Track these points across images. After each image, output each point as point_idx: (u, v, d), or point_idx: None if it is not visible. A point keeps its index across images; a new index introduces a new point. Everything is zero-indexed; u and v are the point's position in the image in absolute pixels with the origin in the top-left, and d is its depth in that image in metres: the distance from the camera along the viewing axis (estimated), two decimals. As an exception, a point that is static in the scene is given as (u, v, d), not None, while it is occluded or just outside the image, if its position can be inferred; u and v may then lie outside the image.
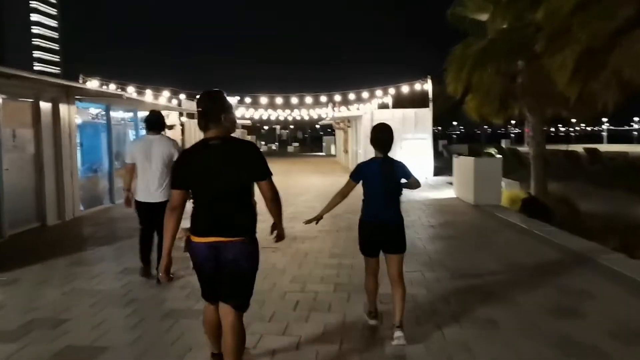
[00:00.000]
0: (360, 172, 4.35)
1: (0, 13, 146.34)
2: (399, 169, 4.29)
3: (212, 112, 3.18)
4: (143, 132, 15.92)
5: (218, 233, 3.11)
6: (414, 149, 20.07)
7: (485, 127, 76.25)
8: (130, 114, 14.56)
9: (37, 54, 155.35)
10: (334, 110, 23.44)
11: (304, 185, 17.21)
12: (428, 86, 20.20)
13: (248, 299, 3.28)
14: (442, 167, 21.73)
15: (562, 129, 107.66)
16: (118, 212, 11.62)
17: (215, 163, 3.13)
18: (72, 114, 10.79)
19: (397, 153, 20.73)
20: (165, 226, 3.26)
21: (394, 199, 4.28)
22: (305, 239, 8.32)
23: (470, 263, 6.81)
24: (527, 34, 11.62)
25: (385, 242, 4.25)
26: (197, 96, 3.38)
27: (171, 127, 15.40)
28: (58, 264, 6.85)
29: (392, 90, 20.73)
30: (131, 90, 17.27)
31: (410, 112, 20.36)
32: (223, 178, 3.13)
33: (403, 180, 4.30)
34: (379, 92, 21.20)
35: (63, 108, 10.37)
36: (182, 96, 16.92)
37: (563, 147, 38.77)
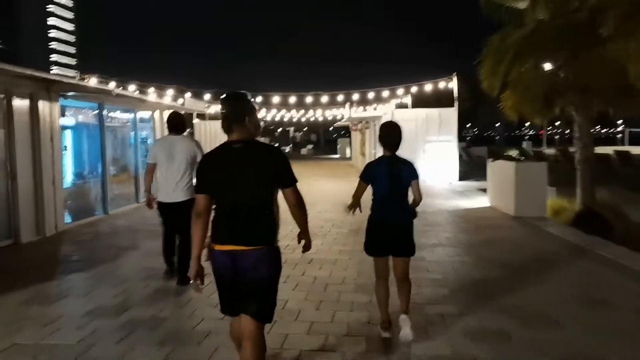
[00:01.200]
0: (369, 172, 4.30)
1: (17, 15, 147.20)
2: (407, 168, 4.21)
3: (236, 114, 3.10)
4: (143, 134, 14.96)
5: (237, 241, 3.00)
6: (438, 152, 18.53)
7: (498, 127, 75.10)
8: (132, 115, 13.19)
9: (53, 57, 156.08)
10: (351, 110, 21.91)
11: (319, 192, 15.74)
12: (453, 84, 18.63)
13: (270, 309, 3.12)
14: (465, 170, 20.10)
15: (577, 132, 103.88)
16: (110, 225, 10.23)
17: (238, 167, 3.03)
18: (56, 113, 9.43)
19: (420, 157, 19.23)
20: (193, 232, 3.13)
21: (402, 200, 4.21)
22: (323, 263, 6.85)
23: (543, 304, 5.20)
24: (578, 19, 10.05)
25: (392, 244, 4.19)
26: (221, 97, 3.23)
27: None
28: (8, 302, 5.38)
29: (414, 89, 19.17)
30: (132, 89, 15.93)
31: (434, 112, 18.81)
32: (246, 183, 3.02)
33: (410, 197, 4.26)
34: (400, 91, 19.61)
35: (43, 106, 9.01)
36: (188, 95, 15.60)
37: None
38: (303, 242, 3.39)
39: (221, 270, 3.06)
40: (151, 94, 15.73)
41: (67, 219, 10.19)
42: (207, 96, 17.32)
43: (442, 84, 18.67)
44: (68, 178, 10.87)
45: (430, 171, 18.41)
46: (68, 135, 11.77)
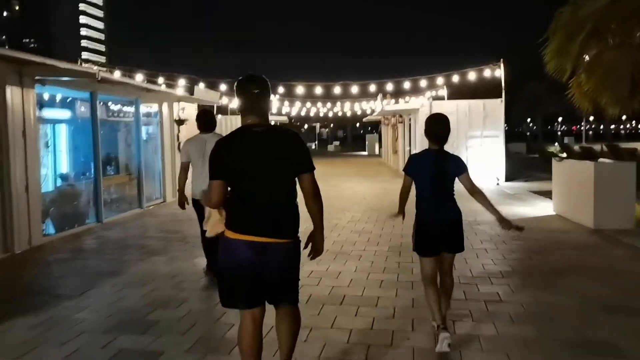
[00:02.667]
0: (413, 165, 4.08)
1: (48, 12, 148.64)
2: (455, 164, 3.98)
3: (257, 98, 2.96)
4: (149, 129, 13.33)
5: (263, 232, 2.84)
6: (483, 148, 16.41)
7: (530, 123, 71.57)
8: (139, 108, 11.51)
9: (84, 46, 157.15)
10: (383, 103, 19.85)
11: (349, 196, 13.83)
12: (500, 72, 16.45)
13: (297, 296, 3.09)
14: (510, 170, 17.84)
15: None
16: (99, 237, 8.53)
17: (261, 151, 2.88)
18: (30, 103, 7.74)
19: (463, 154, 17.05)
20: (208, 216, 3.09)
21: (449, 195, 3.99)
22: (360, 304, 4.92)
23: None
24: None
25: (444, 241, 3.99)
26: (243, 77, 3.04)
27: (182, 123, 12.30)
28: None
29: (455, 78, 17.03)
30: (140, 79, 14.26)
31: (477, 103, 16.68)
32: (269, 168, 2.88)
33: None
34: (439, 80, 17.51)
35: (12, 93, 7.34)
36: (201, 85, 13.87)
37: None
38: (311, 245, 3.09)
39: (242, 261, 2.87)
40: (158, 85, 14.01)
41: (50, 229, 8.55)
42: (223, 87, 15.61)
43: (487, 72, 16.43)
44: (52, 180, 9.24)
45: (474, 170, 16.26)
46: (61, 131, 10.18)
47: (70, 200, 9.23)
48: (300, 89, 17.71)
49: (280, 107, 23.50)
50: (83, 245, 8.04)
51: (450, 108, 16.63)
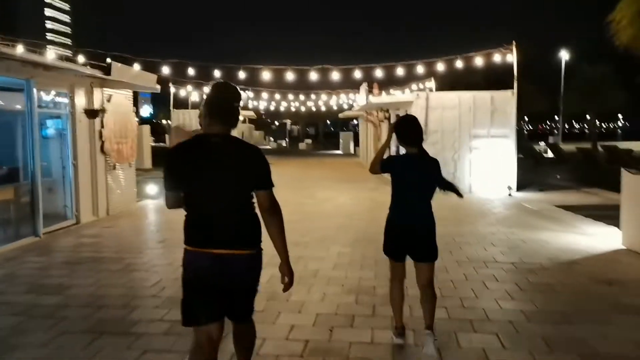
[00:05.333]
0: (390, 165, 3.93)
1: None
2: (434, 167, 3.88)
3: (228, 108, 2.80)
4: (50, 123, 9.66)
5: (223, 244, 2.72)
6: (491, 150, 13.44)
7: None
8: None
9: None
10: (369, 95, 16.60)
11: (329, 211, 10.66)
12: (513, 57, 13.46)
13: (252, 310, 2.95)
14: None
15: (577, 126, 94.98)
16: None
17: (219, 162, 2.72)
18: None
19: (465, 157, 14.01)
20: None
21: (426, 200, 3.84)
22: None
23: None
24: None
25: (414, 247, 3.84)
26: (216, 82, 2.92)
27: (95, 114, 8.87)
28: None
29: (459, 64, 13.95)
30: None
31: (484, 96, 13.68)
32: (227, 180, 2.74)
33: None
34: (440, 66, 14.36)
35: None
36: (136, 66, 10.38)
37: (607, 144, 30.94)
38: (287, 279, 2.88)
39: (202, 273, 2.74)
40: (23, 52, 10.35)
41: None
42: (166, 69, 12.20)
43: (497, 57, 13.40)
44: None
45: (480, 177, 13.35)
46: None
47: None
48: (266, 75, 14.32)
49: (246, 99, 20.06)
50: None
51: (451, 101, 13.61)
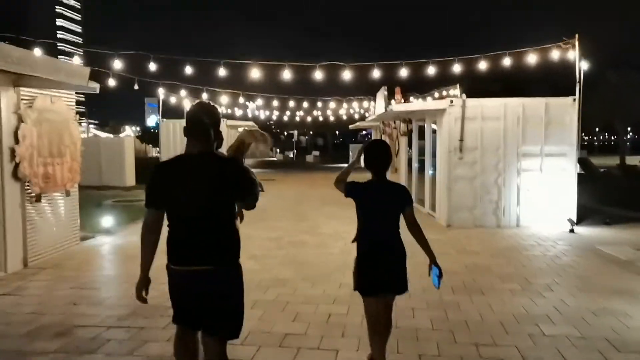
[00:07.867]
0: (354, 191, 3.67)
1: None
2: (399, 194, 3.65)
3: (202, 127, 2.89)
4: None
5: (199, 261, 2.81)
6: (546, 173, 10.49)
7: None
8: None
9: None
10: (393, 99, 13.71)
11: (338, 259, 7.62)
12: (575, 54, 10.52)
13: (239, 328, 2.99)
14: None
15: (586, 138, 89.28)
16: None
17: (197, 180, 2.81)
18: None
19: (514, 181, 10.76)
20: (142, 246, 2.89)
21: (394, 226, 3.63)
22: None
23: None
24: None
25: (385, 276, 3.55)
26: (196, 103, 3.07)
27: None
28: None
29: (507, 61, 11.03)
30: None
31: (536, 103, 10.71)
32: (204, 197, 2.81)
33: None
34: (483, 64, 11.43)
35: None
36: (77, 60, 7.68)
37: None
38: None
39: (181, 291, 2.86)
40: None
41: None
42: (118, 64, 9.48)
43: (555, 54, 10.47)
44: None
45: (531, 207, 10.38)
46: None
47: None
48: (265, 75, 11.43)
49: (253, 109, 17.27)
50: None
51: (494, 110, 10.67)
